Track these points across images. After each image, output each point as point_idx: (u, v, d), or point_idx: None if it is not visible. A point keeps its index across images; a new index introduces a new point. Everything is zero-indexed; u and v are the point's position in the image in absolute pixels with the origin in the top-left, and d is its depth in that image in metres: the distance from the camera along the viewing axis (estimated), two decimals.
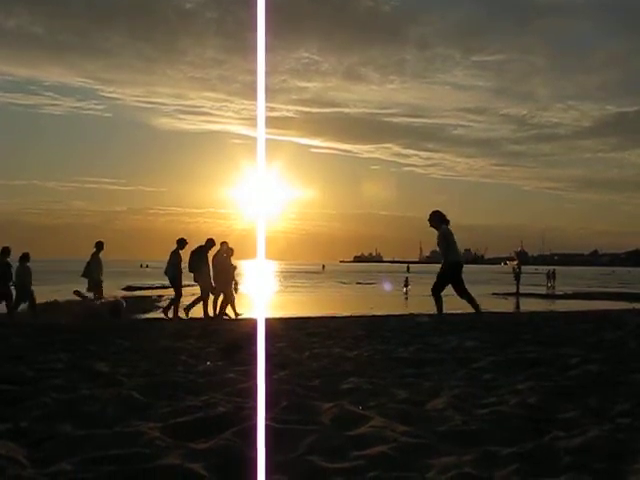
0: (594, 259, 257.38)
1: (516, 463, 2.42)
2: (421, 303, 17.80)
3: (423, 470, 2.40)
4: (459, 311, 10.90)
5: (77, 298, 13.44)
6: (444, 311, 9.88)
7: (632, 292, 31.72)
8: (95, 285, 13.42)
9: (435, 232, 9.97)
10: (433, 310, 10.10)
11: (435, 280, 9.85)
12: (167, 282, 13.99)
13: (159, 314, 13.68)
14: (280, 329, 8.31)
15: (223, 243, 13.49)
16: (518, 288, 31.46)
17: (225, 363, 5.16)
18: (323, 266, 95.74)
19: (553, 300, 27.50)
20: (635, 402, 3.43)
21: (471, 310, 9.90)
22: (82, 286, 13.59)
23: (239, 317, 13.11)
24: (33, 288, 13.47)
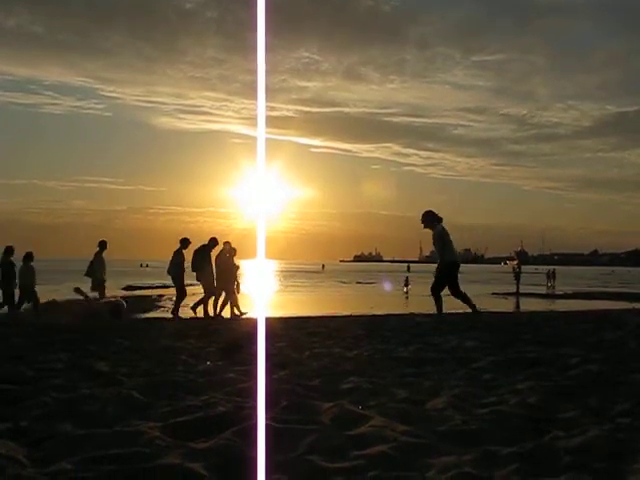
0: (594, 259, 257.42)
1: (516, 463, 2.42)
2: (421, 303, 17.80)
3: (423, 470, 2.40)
4: (459, 311, 10.90)
5: (78, 296, 13.45)
6: (444, 311, 9.89)
7: (632, 292, 31.74)
8: (98, 284, 13.44)
9: (430, 232, 9.95)
10: (433, 310, 10.11)
11: (434, 280, 9.84)
12: (167, 281, 14.02)
13: (168, 315, 13.64)
14: (280, 329, 8.31)
15: (226, 243, 13.50)
16: (518, 288, 31.48)
17: (225, 363, 5.16)
18: (323, 266, 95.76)
19: (553, 300, 27.51)
20: (635, 402, 3.43)
21: (470, 311, 9.91)
22: (84, 285, 13.60)
23: (244, 316, 13.12)
24: (37, 288, 13.49)
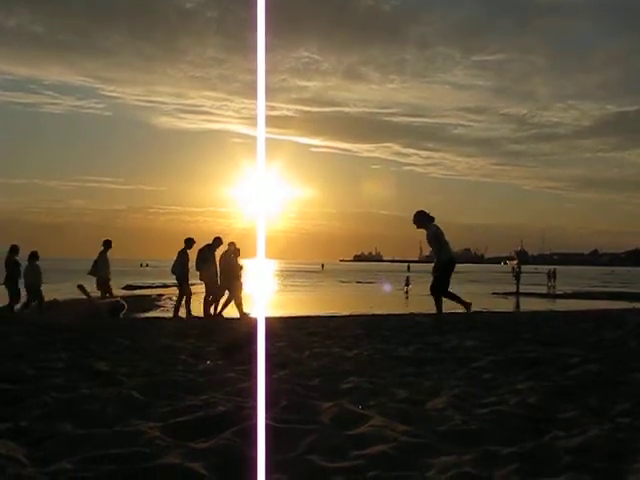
0: (594, 259, 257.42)
1: (516, 463, 2.42)
2: (422, 302, 17.79)
3: (423, 469, 2.40)
4: (459, 311, 10.90)
5: (80, 294, 13.48)
6: (443, 311, 9.88)
7: (632, 292, 31.74)
8: (103, 283, 13.46)
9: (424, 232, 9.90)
10: (433, 310, 10.09)
11: (433, 280, 9.82)
12: (167, 281, 14.04)
13: (180, 314, 13.62)
14: (280, 328, 8.31)
15: (231, 243, 13.49)
16: (518, 287, 31.50)
17: (225, 362, 5.15)
18: (322, 265, 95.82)
19: (553, 300, 27.51)
20: (635, 401, 3.43)
21: (472, 310, 9.90)
22: (88, 283, 13.62)
23: (245, 316, 13.11)
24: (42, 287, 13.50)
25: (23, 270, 13.31)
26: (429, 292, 9.83)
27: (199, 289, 14.15)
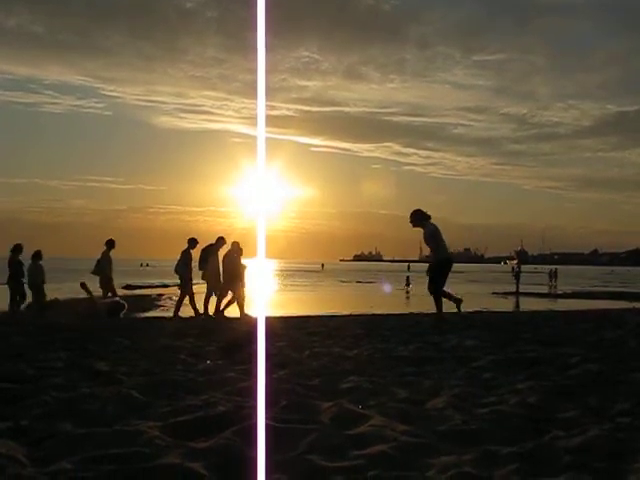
0: (594, 258, 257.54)
1: (516, 462, 2.42)
2: (422, 302, 17.78)
3: (423, 469, 2.40)
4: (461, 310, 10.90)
5: (82, 292, 13.50)
6: (444, 310, 9.87)
7: (632, 291, 31.74)
8: (106, 282, 13.48)
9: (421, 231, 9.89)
10: (434, 309, 10.09)
11: (429, 280, 9.80)
12: (167, 281, 14.08)
13: (185, 314, 13.62)
14: (280, 328, 8.31)
15: (234, 243, 13.47)
16: (518, 287, 31.51)
17: (225, 362, 5.15)
18: (322, 265, 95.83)
19: (553, 299, 27.51)
20: (635, 401, 3.43)
21: (470, 310, 9.90)
22: (90, 283, 13.64)
23: (246, 316, 13.10)
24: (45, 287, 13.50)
25: (27, 269, 13.32)
26: (428, 292, 9.84)
27: (202, 288, 14.16)
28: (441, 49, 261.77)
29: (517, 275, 33.41)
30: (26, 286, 13.31)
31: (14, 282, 13.08)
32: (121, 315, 12.34)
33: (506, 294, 29.57)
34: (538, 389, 3.82)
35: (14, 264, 13.20)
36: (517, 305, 23.07)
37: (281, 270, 67.64)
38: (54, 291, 15.84)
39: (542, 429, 2.93)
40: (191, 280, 13.36)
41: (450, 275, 9.81)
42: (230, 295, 13.26)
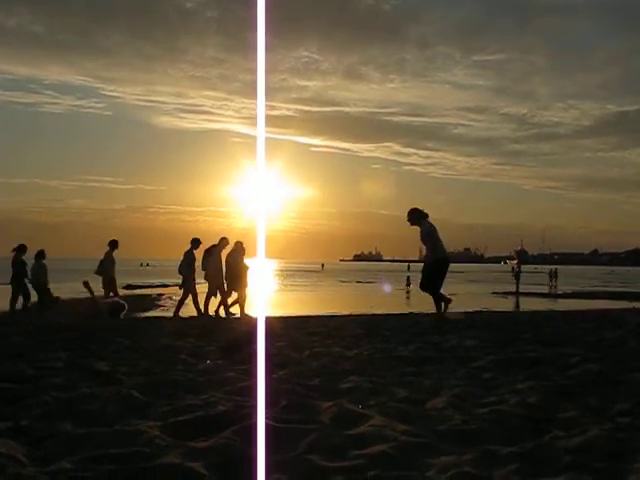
0: (594, 258, 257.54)
1: (516, 462, 2.42)
2: (422, 302, 17.78)
3: (423, 469, 2.40)
4: (457, 310, 10.90)
5: (84, 290, 13.52)
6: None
7: (632, 291, 31.74)
8: (109, 283, 13.51)
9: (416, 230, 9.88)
10: (433, 309, 10.09)
11: (422, 277, 9.80)
12: (167, 281, 14.10)
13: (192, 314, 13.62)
14: (280, 328, 8.31)
15: (237, 243, 13.48)
16: (518, 287, 31.52)
17: (225, 362, 5.15)
18: (322, 265, 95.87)
19: (553, 299, 27.52)
20: (635, 401, 3.43)
21: (470, 310, 9.90)
22: (93, 283, 13.66)
23: (246, 316, 13.10)
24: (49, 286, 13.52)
25: (30, 269, 13.34)
26: (420, 290, 9.82)
27: (204, 288, 14.17)
28: (441, 49, 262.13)
29: (517, 275, 33.44)
30: (30, 286, 13.34)
31: (17, 282, 13.10)
32: (121, 316, 12.35)
33: (506, 294, 29.58)
34: (538, 389, 3.82)
35: (17, 264, 13.21)
36: (517, 305, 23.08)
37: (281, 270, 67.65)
38: (54, 291, 15.83)
39: (542, 429, 2.93)
40: (194, 280, 13.39)
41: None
42: (235, 295, 13.28)
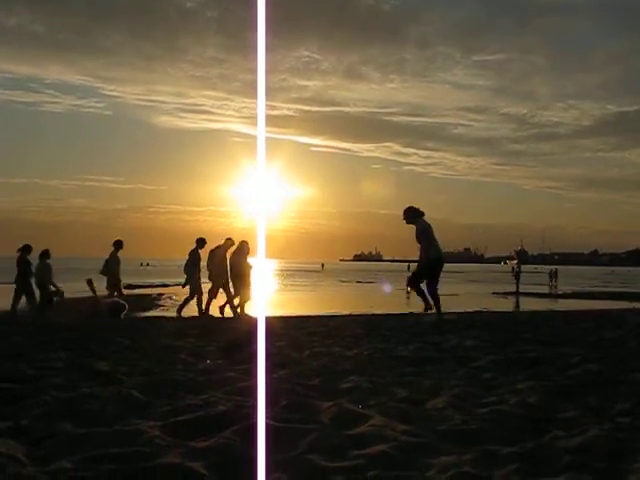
0: (594, 258, 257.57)
1: (516, 462, 2.42)
2: (422, 302, 17.75)
3: (423, 469, 2.40)
4: (457, 310, 10.90)
5: (84, 291, 13.52)
6: (443, 310, 9.87)
7: (632, 292, 31.74)
8: (114, 283, 13.52)
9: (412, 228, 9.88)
10: (433, 309, 10.08)
11: (412, 273, 9.80)
12: (167, 280, 14.13)
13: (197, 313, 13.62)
14: (280, 328, 8.31)
15: (242, 242, 13.47)
16: (518, 287, 31.52)
17: (225, 362, 5.15)
18: (322, 265, 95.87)
19: (553, 299, 27.52)
20: (635, 401, 3.43)
21: (470, 310, 9.90)
22: (97, 283, 13.66)
23: (245, 316, 13.10)
24: (52, 286, 13.50)
25: (34, 268, 13.36)
26: (409, 287, 9.82)
27: (208, 288, 14.18)
28: (441, 49, 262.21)
29: (517, 275, 33.44)
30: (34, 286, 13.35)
31: (22, 281, 13.11)
32: (122, 316, 12.36)
33: (506, 294, 29.58)
34: (538, 389, 3.82)
35: (23, 263, 13.23)
36: (517, 305, 23.08)
37: (281, 270, 67.65)
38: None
39: (542, 429, 2.93)
40: (199, 279, 13.42)
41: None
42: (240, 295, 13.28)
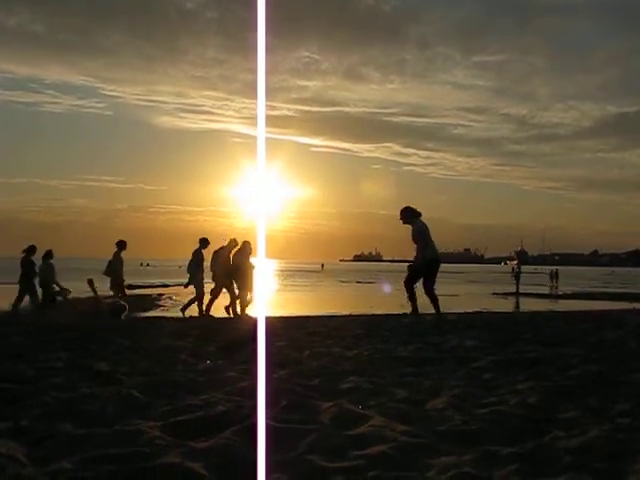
0: (594, 259, 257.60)
1: (516, 463, 2.42)
2: (422, 302, 17.76)
3: (423, 469, 2.40)
4: (457, 311, 10.90)
5: (85, 290, 13.53)
6: (442, 310, 9.87)
7: (632, 292, 31.74)
8: (117, 284, 13.54)
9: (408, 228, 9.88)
10: (432, 309, 10.09)
11: (407, 274, 9.79)
12: (167, 281, 14.17)
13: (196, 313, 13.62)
14: (280, 328, 8.31)
15: (245, 242, 13.47)
16: (518, 288, 31.53)
17: (225, 362, 5.15)
18: (322, 265, 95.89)
19: (553, 300, 27.52)
20: (635, 402, 3.43)
21: (470, 310, 9.90)
22: (100, 284, 13.68)
23: (245, 317, 13.10)
24: (56, 286, 13.52)
25: (38, 269, 13.39)
26: (403, 286, 9.82)
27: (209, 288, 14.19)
28: (441, 50, 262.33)
29: (517, 276, 33.47)
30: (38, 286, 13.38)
31: (25, 281, 13.14)
32: (122, 317, 12.36)
33: (506, 294, 29.59)
34: (538, 389, 3.82)
35: (27, 264, 13.26)
36: (517, 305, 23.08)
37: (281, 270, 67.65)
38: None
39: (542, 429, 2.93)
40: (202, 280, 13.43)
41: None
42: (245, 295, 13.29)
